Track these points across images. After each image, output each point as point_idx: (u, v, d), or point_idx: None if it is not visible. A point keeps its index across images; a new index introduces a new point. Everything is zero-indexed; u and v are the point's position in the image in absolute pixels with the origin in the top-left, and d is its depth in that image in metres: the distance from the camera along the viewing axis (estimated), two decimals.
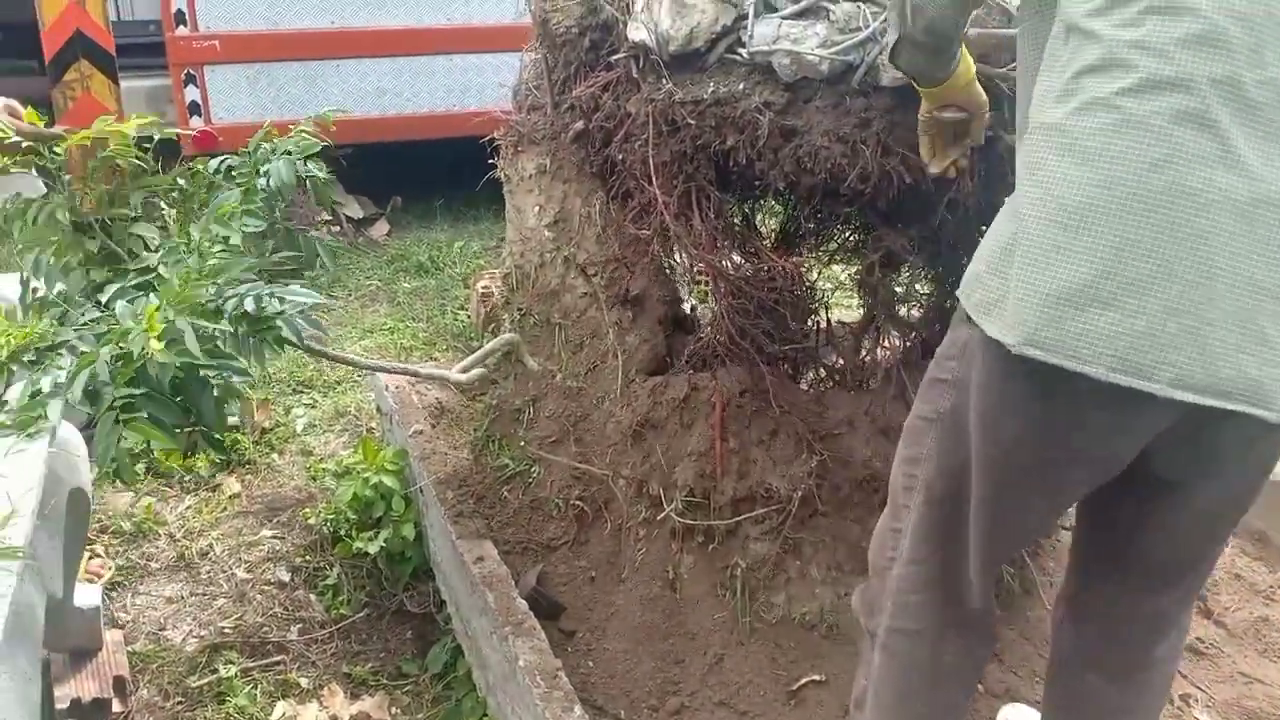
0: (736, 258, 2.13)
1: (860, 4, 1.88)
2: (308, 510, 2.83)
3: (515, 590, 2.06)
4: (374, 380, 3.19)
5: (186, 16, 4.69)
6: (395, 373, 2.40)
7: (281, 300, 1.66)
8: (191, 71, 4.77)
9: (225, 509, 2.96)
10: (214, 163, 2.08)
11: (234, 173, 2.04)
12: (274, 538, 2.82)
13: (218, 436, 1.67)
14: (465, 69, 5.26)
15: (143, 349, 1.47)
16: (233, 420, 1.68)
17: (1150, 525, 1.42)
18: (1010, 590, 2.15)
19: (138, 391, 1.50)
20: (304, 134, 2.04)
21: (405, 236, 5.30)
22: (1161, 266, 1.12)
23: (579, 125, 2.51)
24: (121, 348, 1.52)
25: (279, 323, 1.69)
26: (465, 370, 2.44)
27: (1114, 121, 1.16)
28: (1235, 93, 1.14)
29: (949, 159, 1.73)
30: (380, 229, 5.41)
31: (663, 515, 2.12)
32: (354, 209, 5.33)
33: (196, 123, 4.80)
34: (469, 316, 4.26)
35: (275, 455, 3.23)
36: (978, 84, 1.64)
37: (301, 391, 3.60)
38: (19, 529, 1.32)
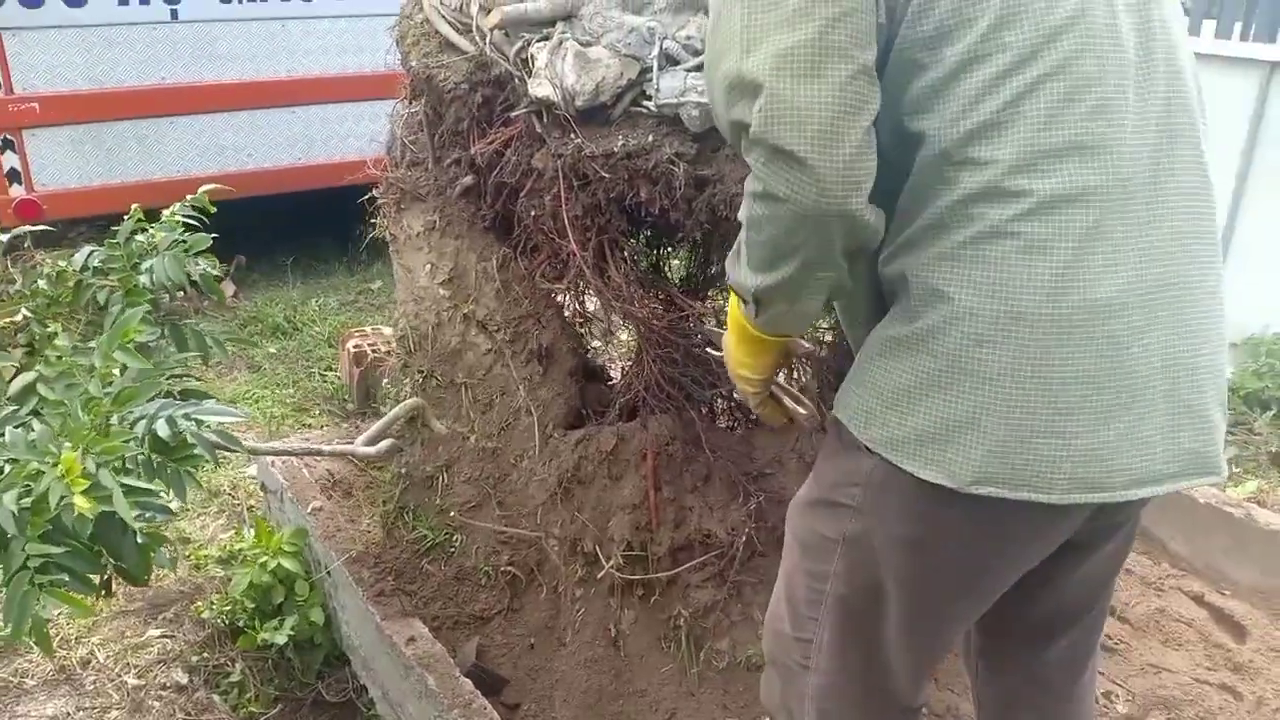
0: (658, 306, 2.12)
1: None
2: (199, 603, 2.62)
3: (455, 669, 1.97)
4: (255, 455, 3.01)
5: (0, 79, 4.34)
6: (298, 454, 2.26)
7: (199, 422, 1.54)
8: (9, 136, 4.42)
9: (101, 610, 2.72)
10: (79, 257, 1.91)
11: (105, 268, 1.88)
12: (163, 637, 2.59)
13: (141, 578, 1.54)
14: (309, 120, 5.08)
15: (61, 498, 1.33)
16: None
17: (1057, 582, 1.43)
18: None
19: (57, 550, 1.36)
20: (182, 220, 1.90)
21: (255, 297, 5.05)
22: (1088, 384, 1.14)
23: (467, 180, 2.46)
24: (28, 487, 1.37)
25: (196, 444, 1.56)
26: (372, 442, 2.34)
27: (1017, 247, 1.14)
28: (1120, 191, 1.17)
29: (790, 406, 1.60)
30: (227, 289, 5.13)
31: (602, 573, 2.08)
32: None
33: (17, 191, 4.45)
34: (339, 377, 4.09)
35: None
36: None
37: None
38: None
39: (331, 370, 4.24)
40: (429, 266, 2.56)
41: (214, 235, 1.89)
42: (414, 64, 2.33)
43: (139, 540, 1.52)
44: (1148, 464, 1.16)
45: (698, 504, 2.06)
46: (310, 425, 3.80)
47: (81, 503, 1.35)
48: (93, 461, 1.41)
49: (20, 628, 1.37)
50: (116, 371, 1.69)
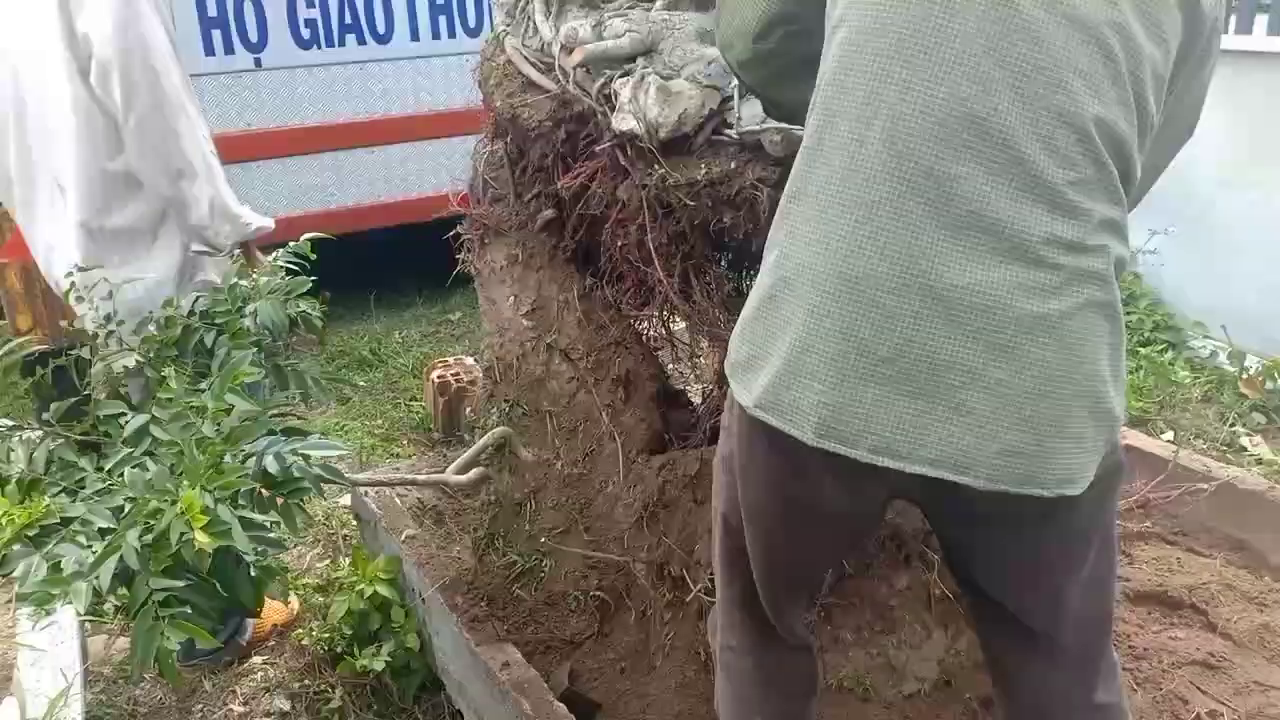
0: None
1: None
2: (299, 631, 2.71)
3: (549, 693, 2.00)
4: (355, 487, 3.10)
5: None
6: (393, 484, 2.33)
7: (307, 458, 1.61)
8: None
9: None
10: (186, 302, 2.01)
11: (209, 313, 1.97)
12: (265, 664, 2.69)
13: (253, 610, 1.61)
14: (388, 159, 5.24)
15: (181, 534, 1.41)
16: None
17: (982, 569, 1.47)
18: None
19: (179, 584, 1.43)
20: (286, 266, 1.99)
21: (341, 331, 5.19)
22: (855, 345, 1.23)
23: (548, 214, 2.52)
24: (149, 524, 1.45)
25: (303, 477, 1.64)
26: (462, 470, 2.40)
27: (816, 209, 1.28)
28: (929, 183, 1.20)
29: None
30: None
31: (690, 596, 2.10)
32: None
33: None
34: (424, 407, 4.19)
35: None
36: None
37: None
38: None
39: (416, 400, 4.34)
40: (512, 298, 2.63)
41: (314, 278, 1.97)
42: (498, 104, 2.41)
43: (251, 573, 1.59)
44: (903, 440, 1.22)
45: None
46: (399, 455, 3.90)
47: (202, 538, 1.42)
48: (210, 498, 1.48)
49: (147, 659, 1.44)
50: (226, 411, 1.77)
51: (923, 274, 1.21)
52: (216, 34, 4.79)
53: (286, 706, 2.54)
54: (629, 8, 2.25)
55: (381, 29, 5.15)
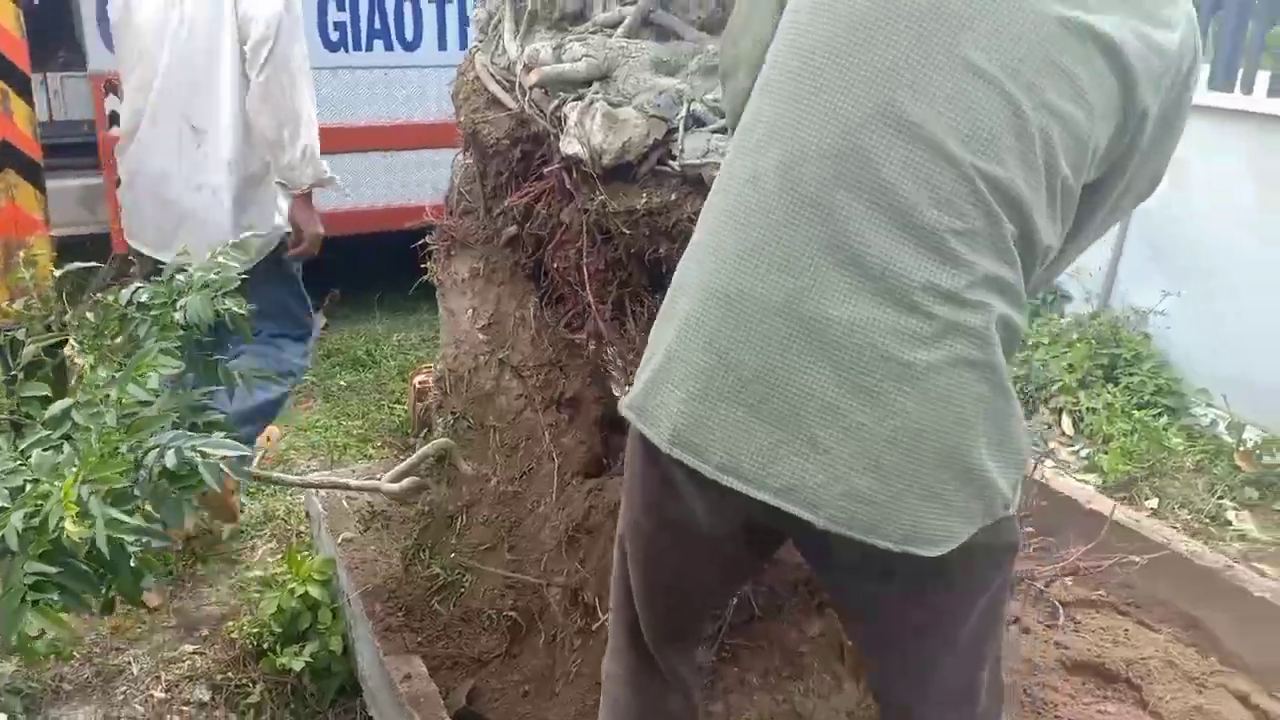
0: None
1: None
2: (230, 624, 2.72)
3: (444, 710, 1.99)
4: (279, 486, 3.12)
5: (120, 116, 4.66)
6: (324, 487, 2.34)
7: (204, 455, 1.62)
8: None
9: (146, 624, 2.84)
10: (126, 293, 2.03)
11: (148, 304, 1.99)
12: (195, 653, 2.70)
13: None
14: (404, 164, 5.29)
15: (59, 521, 1.42)
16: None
17: (855, 621, 1.49)
18: None
19: (52, 570, 1.45)
20: (225, 263, 2.00)
21: (343, 330, 5.25)
22: (721, 360, 1.21)
23: (511, 230, 2.53)
24: (38, 506, 1.46)
25: (203, 473, 1.65)
26: (397, 479, 2.40)
27: (714, 223, 1.30)
28: (816, 213, 1.19)
29: None
30: (319, 323, 5.35)
31: (598, 624, 2.08)
32: None
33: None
34: (405, 411, 4.21)
35: (200, 565, 3.12)
36: None
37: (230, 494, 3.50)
38: None
39: (400, 404, 4.36)
40: (471, 311, 2.64)
41: (244, 275, 1.99)
42: (463, 118, 2.43)
43: (132, 565, 1.60)
44: (750, 463, 1.20)
45: None
46: (371, 456, 3.92)
47: (71, 527, 1.43)
48: (86, 489, 1.49)
49: (8, 640, 1.45)
50: (147, 403, 1.79)
51: (799, 302, 1.19)
52: None
53: (206, 697, 2.55)
54: (592, 33, 2.26)
55: (410, 36, 5.22)
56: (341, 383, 4.59)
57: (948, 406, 1.18)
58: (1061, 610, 2.69)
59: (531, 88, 2.18)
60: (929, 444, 1.18)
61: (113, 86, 4.62)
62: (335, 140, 5.06)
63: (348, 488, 2.41)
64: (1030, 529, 2.43)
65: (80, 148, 4.76)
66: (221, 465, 1.71)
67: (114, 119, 4.62)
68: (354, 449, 3.94)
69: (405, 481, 2.33)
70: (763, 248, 1.21)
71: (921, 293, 1.17)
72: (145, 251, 3.12)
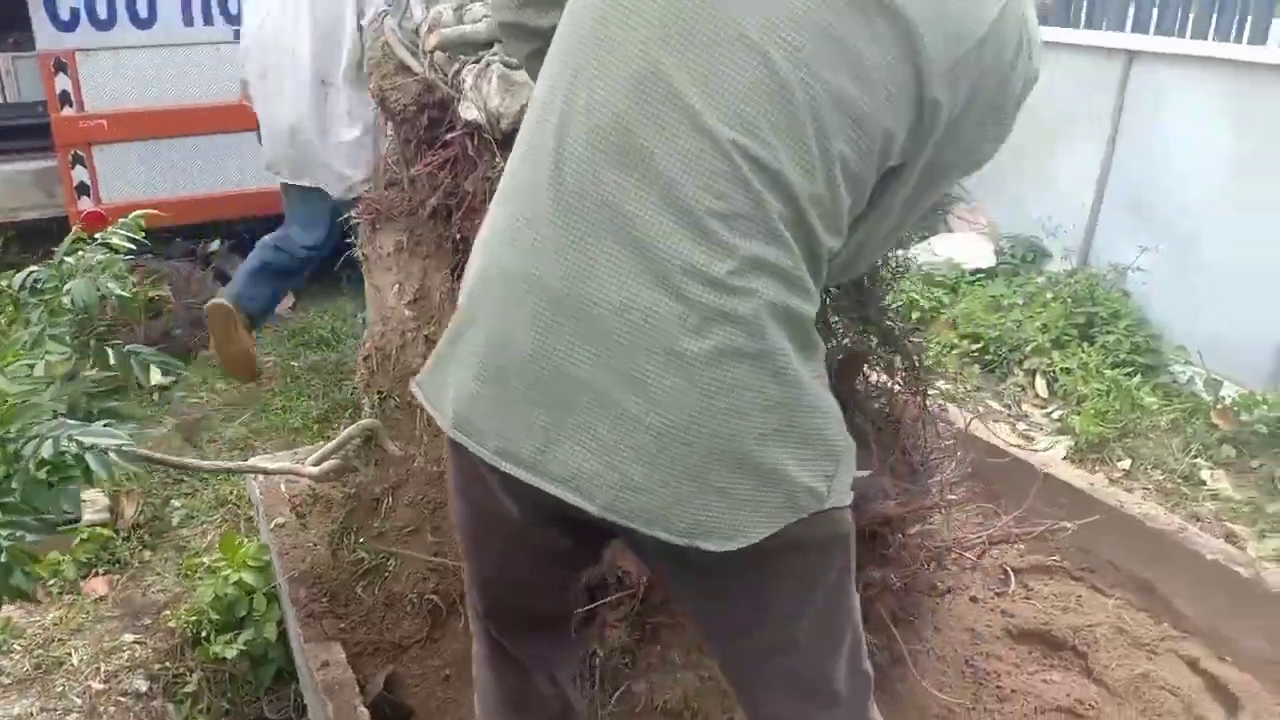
0: None
1: None
2: (168, 612, 2.68)
3: (359, 699, 1.95)
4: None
5: (72, 96, 4.59)
6: (239, 472, 2.29)
7: (81, 444, 1.56)
8: (79, 151, 4.66)
9: (89, 614, 2.81)
10: (19, 277, 1.96)
11: (40, 287, 1.93)
12: (135, 643, 2.67)
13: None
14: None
15: None
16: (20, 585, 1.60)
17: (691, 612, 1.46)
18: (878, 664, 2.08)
19: None
20: (111, 244, 1.93)
21: (311, 308, 5.19)
22: (496, 341, 1.17)
23: (433, 201, 2.45)
24: None
25: (89, 461, 1.58)
26: (319, 462, 2.35)
27: (501, 196, 1.24)
28: (593, 189, 1.12)
29: None
30: (285, 302, 5.29)
31: None
32: None
33: (86, 203, 4.69)
34: None
35: (148, 552, 3.09)
36: None
37: (181, 480, 3.45)
38: None
39: None
40: (397, 286, 2.57)
41: (132, 255, 1.92)
42: (373, 85, 2.35)
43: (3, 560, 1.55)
44: (529, 449, 1.15)
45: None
46: (329, 437, 3.85)
47: None
48: None
49: None
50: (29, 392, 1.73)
51: (572, 283, 1.12)
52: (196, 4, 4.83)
53: (144, 687, 2.51)
54: None
55: None
56: (304, 363, 4.53)
57: (718, 398, 1.10)
58: (1014, 577, 2.63)
59: (432, 50, 2.10)
60: (701, 435, 1.11)
61: (62, 65, 4.57)
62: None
63: (265, 471, 2.36)
64: (967, 490, 2.38)
65: (34, 130, 4.69)
66: (113, 456, 1.67)
67: (64, 99, 4.57)
68: (310, 430, 3.89)
69: (325, 464, 2.27)
70: (535, 225, 1.15)
71: (683, 277, 1.09)
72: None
